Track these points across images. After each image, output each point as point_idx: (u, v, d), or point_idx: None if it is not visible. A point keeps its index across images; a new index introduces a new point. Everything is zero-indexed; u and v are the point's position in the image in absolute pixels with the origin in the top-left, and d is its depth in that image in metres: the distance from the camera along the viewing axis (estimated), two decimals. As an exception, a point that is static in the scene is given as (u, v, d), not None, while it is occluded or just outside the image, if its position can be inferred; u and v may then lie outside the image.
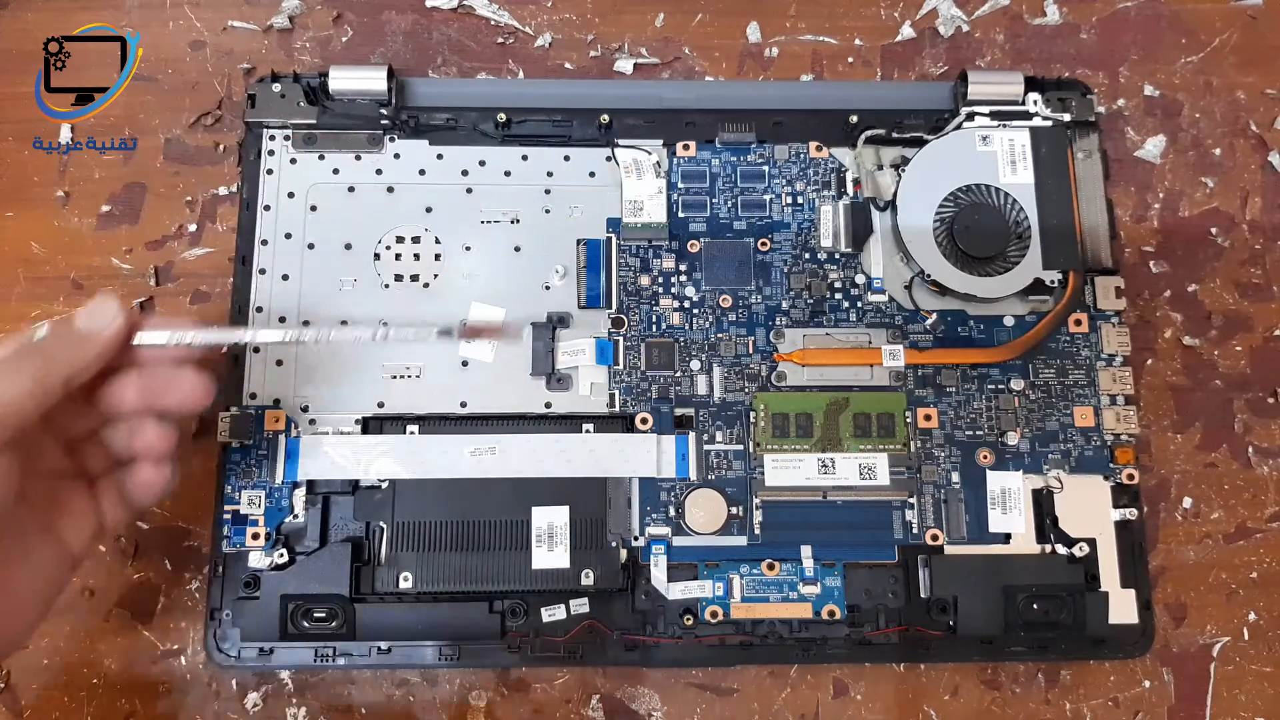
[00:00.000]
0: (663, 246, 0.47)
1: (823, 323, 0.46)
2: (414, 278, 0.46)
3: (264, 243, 0.46)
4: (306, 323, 0.45)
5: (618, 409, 0.45)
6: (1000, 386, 0.45)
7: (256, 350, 0.45)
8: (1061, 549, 0.43)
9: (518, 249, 0.47)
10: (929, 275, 0.45)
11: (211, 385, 0.37)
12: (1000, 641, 0.43)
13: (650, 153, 0.48)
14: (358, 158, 0.47)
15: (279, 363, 0.44)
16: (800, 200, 0.48)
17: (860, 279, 0.47)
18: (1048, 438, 0.45)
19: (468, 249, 0.47)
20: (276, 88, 0.47)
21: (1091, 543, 0.44)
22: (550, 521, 0.43)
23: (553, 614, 0.42)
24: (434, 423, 0.44)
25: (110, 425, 0.37)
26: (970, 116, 0.48)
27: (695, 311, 0.46)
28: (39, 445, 0.35)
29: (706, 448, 0.44)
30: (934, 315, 0.46)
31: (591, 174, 0.48)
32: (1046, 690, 0.44)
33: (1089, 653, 0.43)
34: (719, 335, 0.46)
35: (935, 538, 0.43)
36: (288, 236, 0.46)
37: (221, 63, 0.50)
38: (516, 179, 0.47)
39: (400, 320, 0.45)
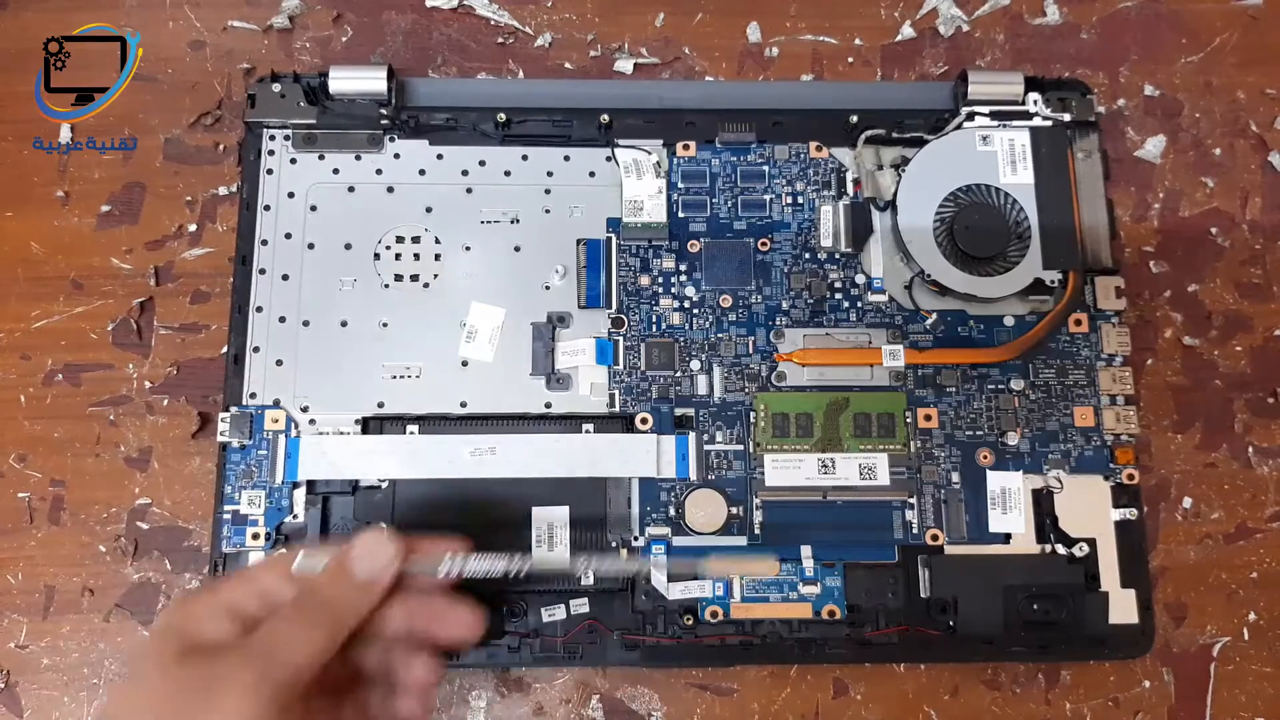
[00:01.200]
0: (663, 246, 0.47)
1: (823, 323, 0.46)
2: (414, 278, 0.46)
3: (264, 243, 0.46)
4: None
5: (618, 409, 0.45)
6: (1000, 386, 0.45)
7: (257, 350, 0.45)
8: (1061, 549, 0.43)
9: (518, 249, 0.47)
10: (929, 275, 0.45)
11: (481, 618, 0.35)
12: (1000, 641, 0.43)
13: (650, 153, 0.48)
14: (358, 158, 0.47)
15: (279, 363, 0.44)
16: (800, 200, 0.48)
17: (860, 279, 0.47)
18: (1048, 438, 0.45)
19: (468, 249, 0.47)
20: (276, 88, 0.47)
21: (1091, 543, 0.44)
22: (550, 521, 0.43)
23: (553, 614, 0.42)
24: (434, 423, 0.44)
25: (367, 642, 0.35)
26: (970, 116, 0.48)
27: (695, 311, 0.46)
28: None
29: (706, 448, 0.44)
30: (934, 315, 0.46)
31: (591, 174, 0.48)
32: (1046, 690, 0.44)
33: (1089, 653, 0.43)
34: (719, 335, 0.46)
35: (935, 538, 0.43)
36: (288, 236, 0.46)
37: (221, 63, 0.50)
38: (516, 179, 0.47)
39: (401, 321, 0.45)
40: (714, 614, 0.42)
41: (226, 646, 0.30)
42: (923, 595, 0.43)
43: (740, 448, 0.44)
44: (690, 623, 0.43)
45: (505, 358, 0.45)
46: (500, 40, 0.52)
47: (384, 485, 0.43)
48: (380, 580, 0.33)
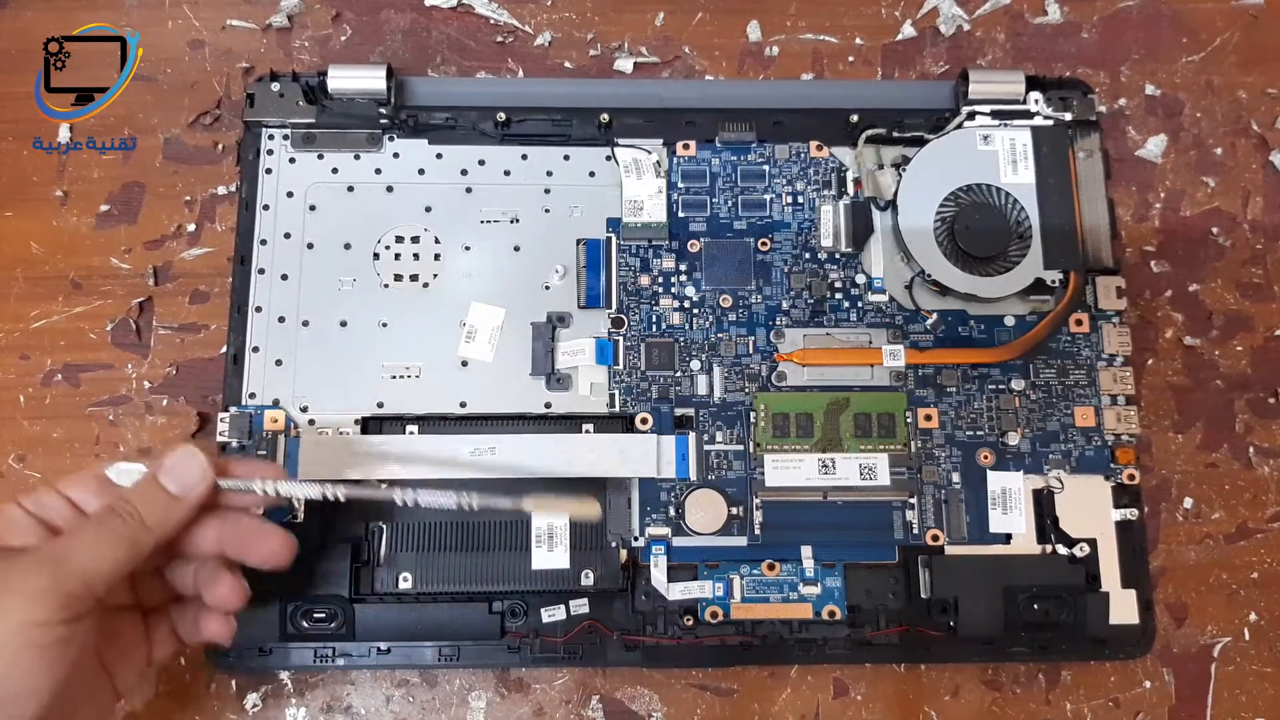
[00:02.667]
0: (663, 246, 0.47)
1: (823, 323, 0.46)
2: (414, 277, 0.46)
3: (263, 242, 0.46)
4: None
5: (618, 409, 0.45)
6: (1001, 386, 0.45)
7: (256, 350, 0.44)
8: (1062, 549, 0.43)
9: (518, 249, 0.47)
10: (929, 275, 0.45)
11: (292, 543, 0.36)
12: (1001, 642, 0.43)
13: (650, 152, 0.47)
14: (357, 157, 0.47)
15: (279, 363, 0.44)
16: (800, 200, 0.48)
17: (860, 279, 0.47)
18: (1048, 438, 0.45)
19: (467, 249, 0.46)
20: (275, 87, 0.47)
21: (1092, 543, 0.44)
22: (550, 521, 0.43)
23: (553, 614, 0.42)
24: (434, 423, 0.44)
25: (176, 561, 0.36)
26: (971, 116, 0.47)
27: (695, 311, 0.46)
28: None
29: (706, 448, 0.44)
30: (934, 315, 0.46)
31: (591, 174, 0.48)
32: (1047, 691, 0.44)
33: (1090, 653, 0.43)
34: (719, 335, 0.46)
35: (936, 538, 0.43)
36: (287, 236, 0.46)
37: (220, 62, 0.50)
38: (516, 179, 0.47)
39: (401, 321, 0.45)
40: (714, 614, 0.42)
41: (24, 551, 0.30)
42: (923, 595, 0.43)
43: (740, 448, 0.44)
44: (690, 623, 0.42)
45: (505, 358, 0.45)
46: (500, 39, 0.52)
47: (383, 485, 0.43)
48: (189, 496, 0.33)
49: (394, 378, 0.45)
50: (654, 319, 0.46)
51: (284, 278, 0.46)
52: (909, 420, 0.45)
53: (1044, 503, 0.44)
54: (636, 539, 0.43)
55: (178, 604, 0.37)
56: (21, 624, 0.28)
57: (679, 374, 0.45)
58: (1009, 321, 0.46)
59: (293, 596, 0.42)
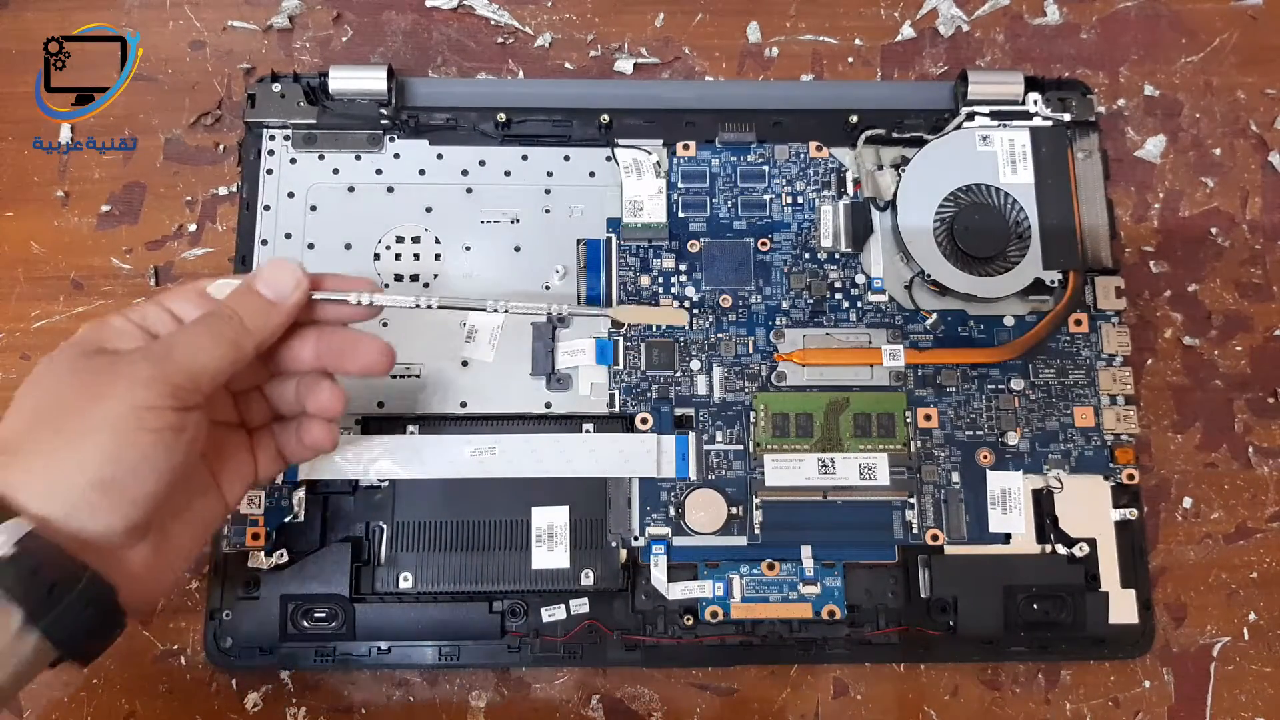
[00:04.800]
0: (663, 246, 0.47)
1: (823, 323, 0.46)
2: (414, 278, 0.46)
3: (264, 243, 0.46)
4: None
5: (618, 409, 0.45)
6: (1000, 386, 0.45)
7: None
8: (1061, 549, 0.43)
9: (518, 249, 0.47)
10: (929, 275, 0.45)
11: (392, 352, 0.37)
12: (1000, 642, 0.43)
13: (650, 153, 0.48)
14: (358, 158, 0.47)
15: (279, 363, 0.44)
16: (800, 200, 0.48)
17: (860, 279, 0.47)
18: (1048, 438, 0.45)
19: (468, 249, 0.47)
20: (276, 88, 0.47)
21: (1091, 543, 0.44)
22: (550, 521, 0.43)
23: (553, 614, 0.42)
24: (434, 423, 0.44)
25: (278, 380, 0.37)
26: (970, 116, 0.48)
27: (695, 311, 0.46)
28: (215, 398, 0.35)
29: (706, 448, 0.44)
30: (934, 315, 0.46)
31: (591, 174, 0.48)
32: (1046, 690, 0.44)
33: (1089, 653, 0.43)
34: (719, 335, 0.46)
35: (935, 538, 0.43)
36: (288, 236, 0.46)
37: (221, 63, 0.50)
38: (516, 179, 0.47)
39: (401, 321, 0.45)
40: (714, 614, 0.42)
41: (133, 349, 0.31)
42: (923, 595, 0.43)
43: (740, 448, 0.44)
44: (690, 623, 0.43)
45: (505, 358, 0.45)
46: (500, 40, 0.52)
47: (384, 485, 0.43)
48: (285, 301, 0.34)
49: (394, 378, 0.45)
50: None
51: (284, 278, 0.46)
52: (909, 420, 0.45)
53: (1043, 502, 0.44)
54: (636, 539, 0.43)
55: (281, 422, 0.38)
56: (134, 407, 0.29)
57: (679, 374, 0.45)
58: (1008, 321, 0.46)
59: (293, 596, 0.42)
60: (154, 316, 0.33)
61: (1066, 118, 0.48)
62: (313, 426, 0.37)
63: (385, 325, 0.45)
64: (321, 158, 0.47)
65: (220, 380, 0.32)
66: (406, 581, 0.42)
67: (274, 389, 0.37)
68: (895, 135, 0.48)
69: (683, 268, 0.47)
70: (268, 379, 0.37)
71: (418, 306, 0.37)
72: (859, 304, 0.46)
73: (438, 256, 0.46)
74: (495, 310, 0.38)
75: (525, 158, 0.48)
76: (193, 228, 0.48)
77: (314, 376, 0.36)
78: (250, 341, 0.33)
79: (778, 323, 0.46)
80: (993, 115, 0.48)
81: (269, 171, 0.47)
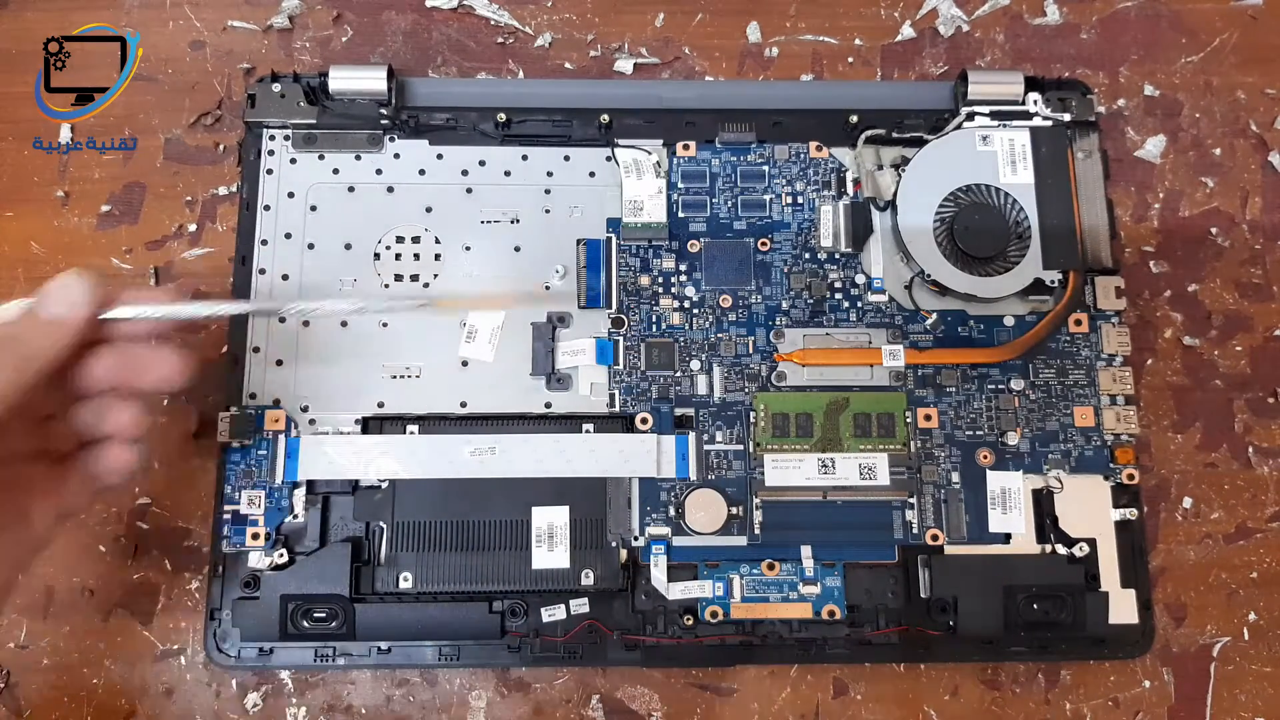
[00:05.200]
0: (663, 246, 0.47)
1: (823, 323, 0.46)
2: (414, 278, 0.46)
3: (264, 243, 0.46)
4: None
5: (618, 409, 0.45)
6: (1000, 386, 0.45)
7: (256, 350, 0.45)
8: (1061, 549, 0.43)
9: (518, 249, 0.47)
10: (929, 275, 0.45)
11: (188, 363, 0.36)
12: (1000, 641, 0.43)
13: (650, 153, 0.48)
14: (358, 158, 0.47)
15: (279, 363, 0.44)
16: (800, 200, 0.48)
17: (860, 279, 0.47)
18: (1048, 438, 0.45)
19: (468, 249, 0.47)
20: (276, 88, 0.47)
21: (1091, 543, 0.44)
22: (550, 521, 0.43)
23: (553, 614, 0.42)
24: (434, 423, 0.44)
25: (78, 404, 0.36)
26: (970, 116, 0.48)
27: (695, 311, 0.46)
28: (6, 429, 0.33)
29: (706, 448, 0.44)
30: (934, 315, 0.46)
31: (591, 174, 0.48)
32: (1046, 690, 0.44)
33: (1089, 653, 0.43)
34: (719, 335, 0.46)
35: (935, 538, 0.43)
36: (288, 236, 0.46)
37: (221, 63, 0.50)
38: (516, 179, 0.47)
39: (401, 321, 0.45)
40: (714, 614, 0.42)
41: None
42: (923, 595, 0.43)
43: (740, 448, 0.44)
44: (690, 623, 0.43)
45: (505, 358, 0.45)
46: (500, 40, 0.52)
47: (384, 485, 0.43)
48: (69, 319, 0.33)
49: (394, 378, 0.45)
50: (654, 319, 0.46)
51: (285, 278, 0.46)
52: (908, 420, 0.45)
53: (1043, 502, 0.44)
54: (636, 539, 0.43)
55: (86, 448, 0.36)
56: None
57: (679, 374, 0.45)
58: (1008, 321, 0.46)
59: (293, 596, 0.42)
60: None
61: (1066, 118, 0.48)
62: (111, 448, 0.36)
63: (385, 325, 0.45)
64: (321, 158, 0.47)
65: (9, 404, 0.31)
66: (406, 581, 0.42)
67: (75, 413, 0.36)
68: (895, 135, 0.48)
69: (683, 268, 0.47)
70: (68, 402, 0.36)
71: (213, 316, 0.36)
72: (859, 304, 0.46)
73: (438, 256, 0.46)
74: (295, 312, 0.37)
75: (525, 158, 0.48)
76: (193, 228, 0.48)
77: (112, 397, 0.35)
78: (34, 364, 0.32)
79: (778, 323, 0.46)
80: (993, 115, 0.48)
81: (269, 171, 0.47)
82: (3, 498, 0.34)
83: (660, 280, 0.46)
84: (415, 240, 0.47)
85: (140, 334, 0.36)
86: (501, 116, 0.48)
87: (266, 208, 0.46)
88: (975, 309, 0.46)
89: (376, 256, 0.46)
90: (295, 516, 0.43)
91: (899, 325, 0.46)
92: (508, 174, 0.48)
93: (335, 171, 0.47)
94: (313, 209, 0.47)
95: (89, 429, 0.36)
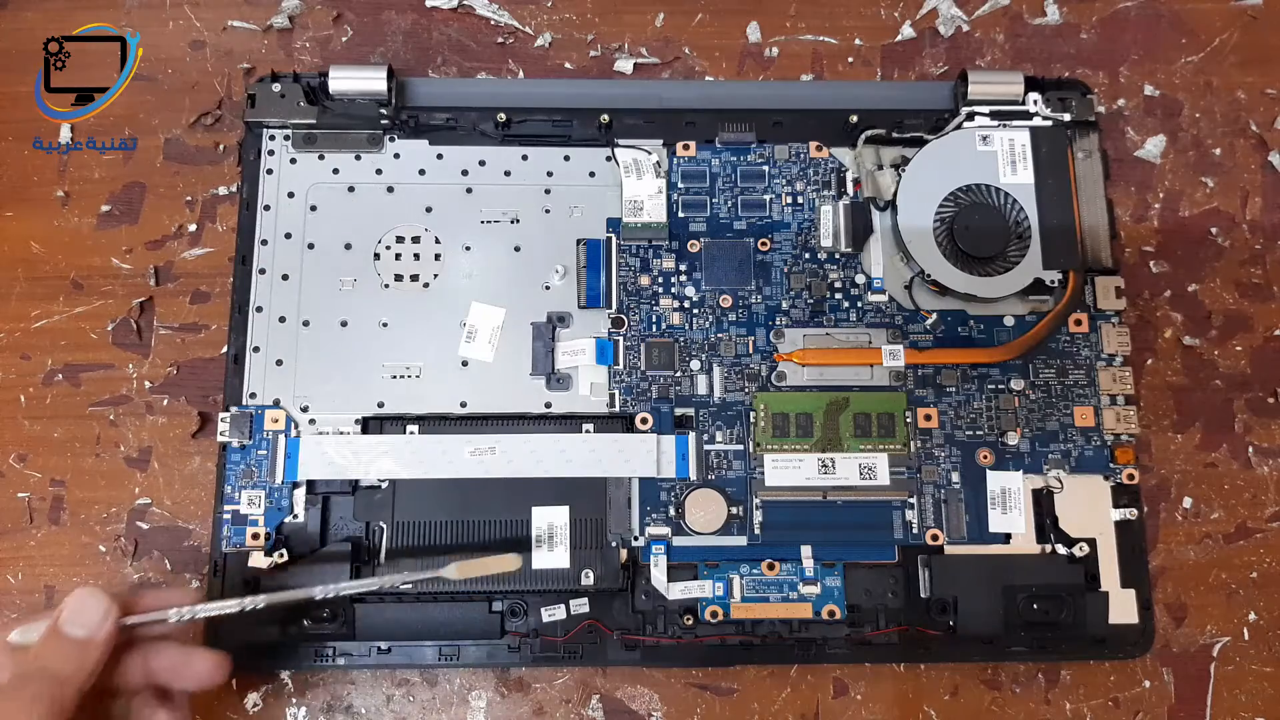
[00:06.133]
0: (663, 246, 0.47)
1: (823, 323, 0.46)
2: (414, 278, 0.46)
3: (264, 243, 0.46)
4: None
5: (618, 409, 0.45)
6: (1000, 386, 0.45)
7: (257, 350, 0.45)
8: (1061, 549, 0.43)
9: (518, 249, 0.47)
10: (929, 275, 0.45)
11: (226, 662, 0.36)
12: (1000, 641, 0.43)
13: (650, 153, 0.48)
14: (358, 158, 0.47)
15: (279, 363, 0.44)
16: (800, 200, 0.48)
17: (860, 279, 0.47)
18: (1048, 438, 0.45)
19: (468, 249, 0.47)
20: (276, 88, 0.47)
21: (1091, 543, 0.44)
22: (550, 521, 0.43)
23: (553, 614, 0.42)
24: (434, 423, 0.44)
25: (116, 701, 0.35)
26: (970, 116, 0.48)
27: (695, 311, 0.46)
28: None
29: (706, 448, 0.44)
30: (934, 315, 0.46)
31: (591, 174, 0.48)
32: (1046, 690, 0.44)
33: (1089, 653, 0.43)
34: (719, 335, 0.46)
35: (935, 538, 0.43)
36: (288, 236, 0.46)
37: (221, 63, 0.50)
38: (516, 179, 0.47)
39: (401, 321, 0.45)
40: (714, 614, 0.42)
41: None
42: (923, 595, 0.43)
43: (740, 448, 0.44)
44: (690, 623, 0.43)
45: (505, 358, 0.45)
46: (500, 40, 0.52)
47: (384, 485, 0.43)
48: (95, 637, 0.33)
49: (394, 378, 0.45)
50: (654, 319, 0.46)
51: (285, 278, 0.46)
52: (908, 420, 0.45)
53: (1043, 502, 0.44)
54: (636, 539, 0.43)
55: None
56: None
57: (679, 374, 0.45)
58: (1008, 321, 0.46)
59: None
60: None
61: (1066, 118, 0.48)
62: None
63: (385, 325, 0.45)
64: (321, 158, 0.47)
65: None
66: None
67: (110, 708, 0.35)
68: (895, 135, 0.48)
69: (683, 268, 0.47)
70: (101, 702, 0.35)
71: (242, 610, 0.36)
72: (859, 304, 0.46)
73: (438, 256, 0.46)
74: (324, 596, 0.38)
75: (525, 158, 0.48)
76: (193, 228, 0.48)
77: (147, 696, 0.35)
78: (69, 691, 0.32)
79: (778, 323, 0.46)
80: (993, 115, 0.48)
81: (269, 171, 0.47)
82: None
83: (660, 280, 0.46)
84: (415, 240, 0.47)
85: (162, 632, 0.36)
86: (501, 116, 0.48)
87: (266, 208, 0.46)
88: (975, 309, 0.46)
89: (376, 256, 0.46)
90: (295, 516, 0.43)
91: (899, 325, 0.46)
92: (508, 174, 0.47)
93: (335, 171, 0.47)
94: (313, 209, 0.47)
95: (122, 715, 0.36)
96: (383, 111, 0.47)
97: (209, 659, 0.36)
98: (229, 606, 0.36)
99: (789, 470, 0.44)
